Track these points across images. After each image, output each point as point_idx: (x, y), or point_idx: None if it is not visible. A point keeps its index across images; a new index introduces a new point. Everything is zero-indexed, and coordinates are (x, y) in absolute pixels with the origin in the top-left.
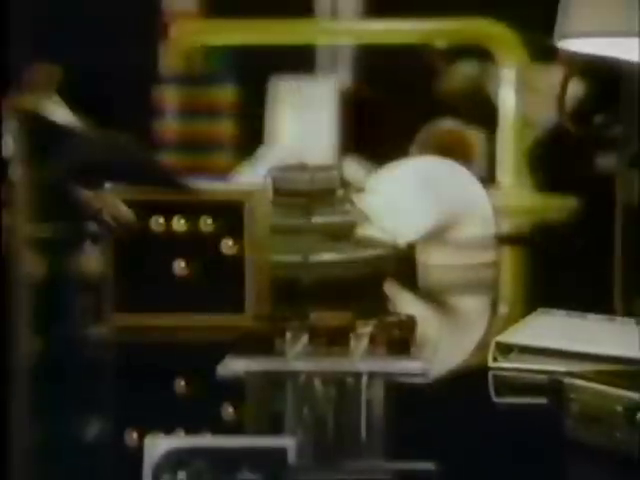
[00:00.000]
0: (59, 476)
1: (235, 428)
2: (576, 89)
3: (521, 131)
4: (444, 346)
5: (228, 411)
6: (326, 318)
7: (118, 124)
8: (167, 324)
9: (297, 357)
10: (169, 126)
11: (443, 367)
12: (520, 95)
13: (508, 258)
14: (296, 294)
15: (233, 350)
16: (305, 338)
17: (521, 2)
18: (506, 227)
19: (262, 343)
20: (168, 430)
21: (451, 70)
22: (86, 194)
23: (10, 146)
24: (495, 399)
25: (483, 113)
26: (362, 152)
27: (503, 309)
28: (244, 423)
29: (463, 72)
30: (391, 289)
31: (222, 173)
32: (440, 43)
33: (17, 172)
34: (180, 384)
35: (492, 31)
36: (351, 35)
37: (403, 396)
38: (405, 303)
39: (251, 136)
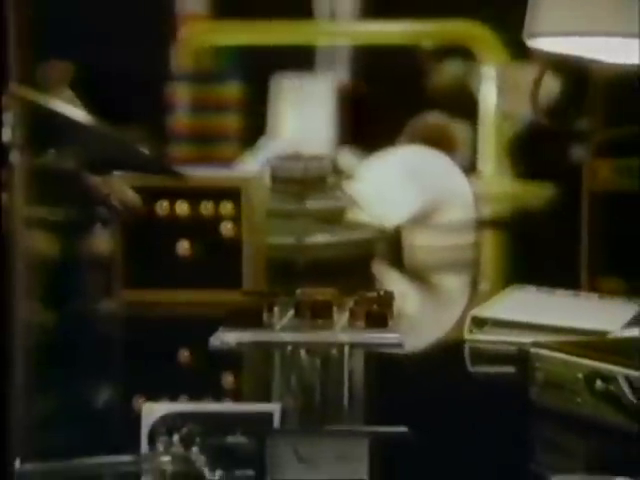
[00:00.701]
0: (72, 438)
1: (235, 395)
2: (551, 85)
3: (501, 124)
4: (427, 320)
5: (228, 380)
6: (310, 294)
7: (134, 118)
8: (171, 299)
9: (284, 329)
10: (180, 120)
11: (426, 340)
12: (500, 91)
13: (488, 240)
14: (290, 273)
15: (225, 323)
16: (291, 312)
17: (502, 5)
18: (487, 212)
19: (251, 317)
20: (173, 397)
21: (439, 69)
22: (95, 180)
23: (10, 132)
24: (470, 368)
25: (467, 108)
26: (357, 143)
27: (483, 286)
28: (243, 390)
29: (449, 71)
30: (379, 268)
31: (228, 162)
32: (427, 43)
33: (16, 157)
34: (184, 355)
35: (474, 32)
36: (348, 36)
37: (384, 365)
38: (392, 281)
39: (255, 129)
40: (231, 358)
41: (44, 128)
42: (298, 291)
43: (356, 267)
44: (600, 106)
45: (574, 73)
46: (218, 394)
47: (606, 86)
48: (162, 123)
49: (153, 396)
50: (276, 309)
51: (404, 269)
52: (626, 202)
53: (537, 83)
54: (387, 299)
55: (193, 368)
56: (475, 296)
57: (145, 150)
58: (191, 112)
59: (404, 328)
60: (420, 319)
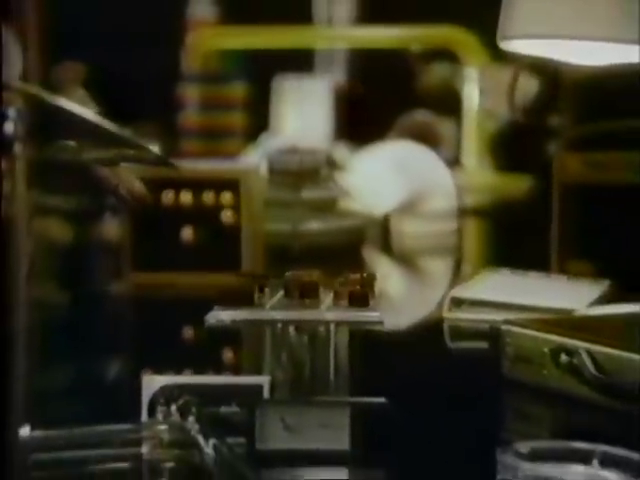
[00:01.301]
0: (86, 407)
1: (234, 369)
2: (527, 85)
3: (483, 122)
4: (413, 300)
5: (228, 355)
6: (299, 276)
7: (147, 116)
8: (176, 281)
9: (274, 308)
10: (189, 117)
11: (412, 318)
12: (482, 91)
13: (470, 227)
14: (286, 258)
15: (219, 302)
16: (281, 293)
17: (484, 12)
18: (469, 202)
19: (244, 297)
20: (178, 370)
21: (426, 70)
22: (105, 171)
23: (12, 126)
24: (449, 344)
25: (452, 106)
26: (351, 139)
27: (465, 269)
28: (242, 365)
29: (436, 72)
30: (369, 253)
31: (233, 156)
32: (416, 47)
33: (19, 149)
34: (187, 332)
35: (459, 37)
36: (345, 40)
37: (368, 341)
38: (381, 265)
39: (258, 126)
40: (231, 335)
41: (46, 122)
42: (287, 273)
43: (348, 252)
44: (570, 104)
45: (548, 74)
46: (219, 368)
47: (576, 85)
48: (173, 120)
49: (159, 370)
50: (267, 290)
51: (392, 254)
52: (594, 193)
53: (513, 84)
54: (369, 280)
55: (196, 344)
56: (457, 278)
57: (142, 143)
58: (200, 110)
59: (386, 307)
60: (407, 299)
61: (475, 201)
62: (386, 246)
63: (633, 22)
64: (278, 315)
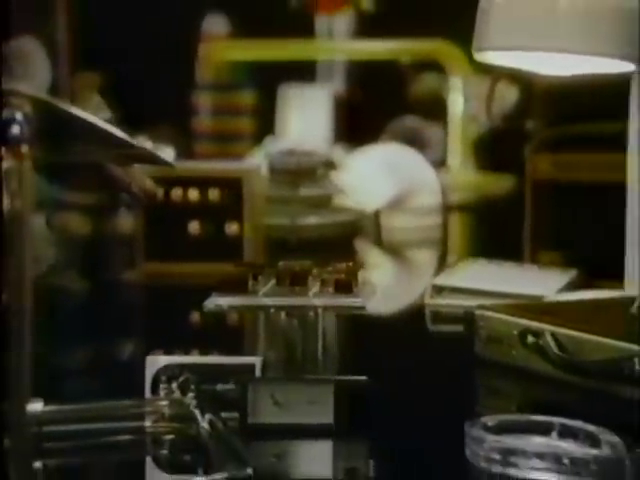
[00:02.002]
0: (101, 384)
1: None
2: (505, 93)
3: (466, 126)
4: (401, 288)
5: (231, 337)
6: (289, 265)
7: (165, 121)
8: (184, 271)
9: (266, 295)
10: (202, 122)
11: (400, 304)
12: (466, 99)
13: (454, 221)
14: (285, 249)
15: (217, 289)
16: (273, 281)
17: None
18: (454, 198)
19: (239, 284)
20: (186, 351)
21: (417, 80)
22: (119, 171)
23: (18, 128)
24: (430, 327)
25: (439, 112)
26: (349, 141)
27: (449, 260)
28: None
29: (425, 82)
30: (361, 245)
31: (242, 157)
32: (407, 59)
33: (25, 150)
34: (194, 316)
35: (445, 50)
36: (343, 53)
37: (356, 324)
38: (372, 256)
39: (265, 130)
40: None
41: (53, 125)
42: (280, 263)
43: (341, 244)
44: (541, 110)
45: (525, 82)
46: (222, 349)
47: (546, 93)
48: (188, 125)
49: (168, 350)
50: (260, 278)
51: (382, 245)
52: (562, 190)
53: (490, 93)
54: (353, 269)
55: (202, 327)
56: (442, 268)
57: (140, 144)
58: (212, 116)
59: (376, 294)
60: (395, 287)
61: (459, 198)
62: (377, 239)
63: (595, 36)
64: (270, 301)
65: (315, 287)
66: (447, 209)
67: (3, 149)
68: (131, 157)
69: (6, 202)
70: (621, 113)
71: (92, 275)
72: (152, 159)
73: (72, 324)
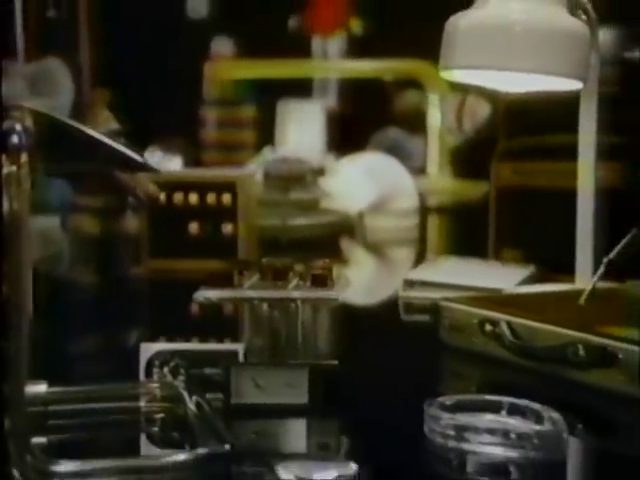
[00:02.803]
0: (108, 368)
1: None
2: (475, 107)
3: (443, 138)
4: (380, 282)
5: (226, 326)
6: (272, 262)
7: (176, 132)
8: (184, 267)
9: (251, 288)
10: (210, 134)
11: (379, 296)
12: (443, 113)
13: (432, 222)
14: (276, 247)
15: (205, 283)
16: (257, 276)
17: None
18: (432, 202)
19: (226, 279)
20: (187, 339)
21: (400, 96)
22: (125, 177)
23: (17, 138)
24: (403, 317)
25: (419, 125)
26: (340, 150)
27: (425, 257)
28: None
29: (408, 98)
30: (346, 244)
31: (244, 165)
32: (390, 77)
33: (24, 159)
34: (194, 308)
35: (424, 70)
36: (336, 72)
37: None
38: (355, 253)
39: (266, 141)
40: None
41: (52, 136)
42: (263, 260)
43: (328, 243)
44: (504, 123)
45: (493, 98)
46: (220, 337)
47: (507, 108)
48: (196, 136)
49: (171, 338)
50: (246, 273)
51: (365, 244)
52: (522, 195)
53: (460, 107)
54: (329, 266)
55: (201, 318)
56: (419, 264)
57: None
58: (218, 128)
59: (343, 287)
60: (375, 281)
61: (437, 202)
62: (360, 238)
63: (546, 57)
64: (254, 294)
65: (294, 281)
66: (424, 211)
67: (4, 157)
68: (122, 164)
69: (5, 205)
70: (573, 127)
71: (102, 270)
72: (142, 167)
73: (83, 314)
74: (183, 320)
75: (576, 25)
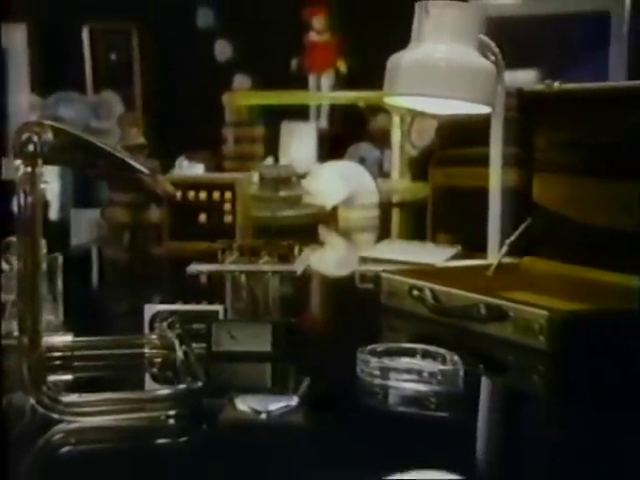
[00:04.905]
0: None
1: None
2: (427, 125)
3: (404, 150)
4: (348, 260)
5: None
6: (248, 243)
7: (203, 147)
8: (195, 248)
9: (232, 263)
10: (228, 148)
11: (347, 270)
12: (404, 132)
13: (392, 215)
14: (267, 234)
15: (195, 259)
16: (237, 254)
17: None
18: (394, 198)
19: (212, 256)
20: (198, 301)
21: (373, 119)
22: (146, 177)
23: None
24: (358, 285)
25: (387, 140)
26: (326, 159)
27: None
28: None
29: (379, 120)
30: (323, 231)
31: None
32: (365, 104)
33: (40, 163)
34: (203, 278)
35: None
36: (327, 100)
37: (302, 283)
38: (330, 238)
39: (271, 153)
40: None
41: (66, 145)
42: (240, 242)
43: (309, 230)
44: (437, 137)
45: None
46: (210, 300)
47: (440, 125)
48: (219, 150)
49: (186, 301)
50: (228, 252)
51: (337, 231)
52: (452, 193)
53: (410, 126)
54: (292, 246)
55: (207, 285)
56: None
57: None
58: (235, 144)
59: (302, 262)
60: (344, 259)
61: (397, 198)
62: (333, 226)
63: (463, 86)
64: (234, 267)
65: (265, 258)
66: (387, 206)
67: (21, 161)
68: (127, 169)
69: (21, 199)
70: (488, 141)
71: (131, 250)
72: (137, 170)
73: (116, 284)
74: (194, 287)
75: (486, 63)
